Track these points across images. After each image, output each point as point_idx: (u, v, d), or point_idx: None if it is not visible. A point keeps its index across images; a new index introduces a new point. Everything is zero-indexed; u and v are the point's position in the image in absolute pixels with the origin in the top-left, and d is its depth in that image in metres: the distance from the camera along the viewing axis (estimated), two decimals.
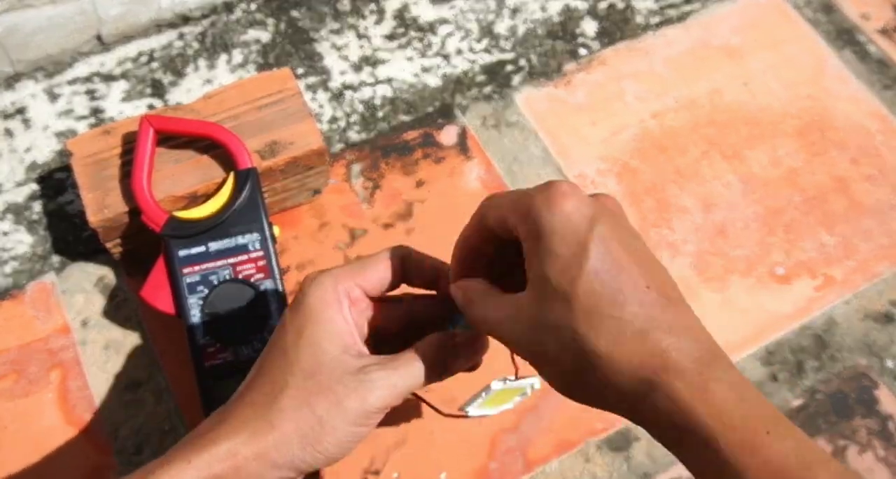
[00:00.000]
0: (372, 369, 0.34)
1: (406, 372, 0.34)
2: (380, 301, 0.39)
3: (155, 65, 0.67)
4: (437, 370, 0.35)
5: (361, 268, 0.37)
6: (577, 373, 0.30)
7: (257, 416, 0.33)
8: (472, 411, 0.49)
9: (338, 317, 0.35)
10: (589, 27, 0.72)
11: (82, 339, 0.55)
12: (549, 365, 0.31)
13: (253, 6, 0.71)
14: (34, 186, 0.61)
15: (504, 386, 0.47)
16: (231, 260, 0.50)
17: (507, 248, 0.34)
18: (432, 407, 0.48)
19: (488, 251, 0.36)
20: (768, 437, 0.28)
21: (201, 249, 0.50)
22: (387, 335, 0.39)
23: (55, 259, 0.58)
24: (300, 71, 0.68)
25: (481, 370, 0.40)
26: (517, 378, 0.43)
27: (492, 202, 0.34)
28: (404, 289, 0.40)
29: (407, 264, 0.38)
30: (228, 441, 0.33)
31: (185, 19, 0.69)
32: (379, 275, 0.38)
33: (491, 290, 0.34)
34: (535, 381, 0.50)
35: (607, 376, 0.29)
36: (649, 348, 0.29)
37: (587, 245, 0.29)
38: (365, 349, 0.36)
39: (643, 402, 0.29)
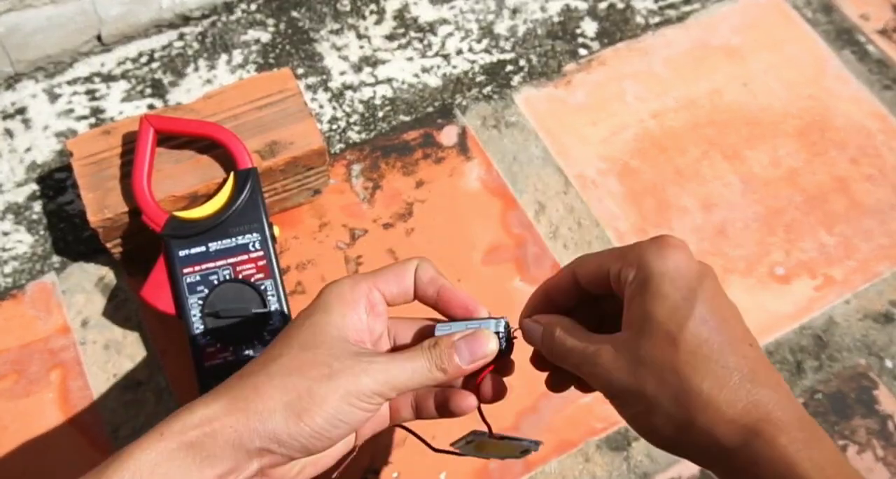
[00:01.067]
0: (370, 355, 0.33)
1: (405, 366, 0.33)
2: (401, 319, 0.38)
3: (155, 65, 0.67)
4: (437, 373, 0.34)
5: (383, 273, 0.37)
6: (673, 414, 0.31)
7: (243, 381, 0.32)
8: (466, 452, 0.43)
9: (351, 313, 0.34)
10: (589, 27, 0.72)
11: (82, 339, 0.55)
12: (642, 404, 0.31)
13: (253, 6, 0.71)
14: (34, 187, 0.61)
15: (487, 439, 0.42)
16: (231, 260, 0.50)
17: (583, 307, 0.37)
18: (421, 440, 0.43)
19: (566, 305, 0.38)
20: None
21: (201, 249, 0.50)
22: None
23: (55, 259, 0.58)
24: (300, 71, 0.68)
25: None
26: (493, 435, 0.41)
27: (587, 258, 0.36)
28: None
29: (420, 274, 0.38)
30: (206, 408, 0.31)
31: (186, 19, 0.69)
32: (401, 283, 0.37)
33: (578, 326, 0.35)
34: (533, 444, 0.42)
35: (706, 418, 0.30)
36: (754, 399, 0.30)
37: (697, 292, 0.31)
38: (370, 348, 0.35)
39: (742, 449, 0.29)
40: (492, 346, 0.35)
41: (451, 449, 0.41)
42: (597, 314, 0.38)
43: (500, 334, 0.36)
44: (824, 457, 0.29)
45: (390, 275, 0.37)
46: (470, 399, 0.38)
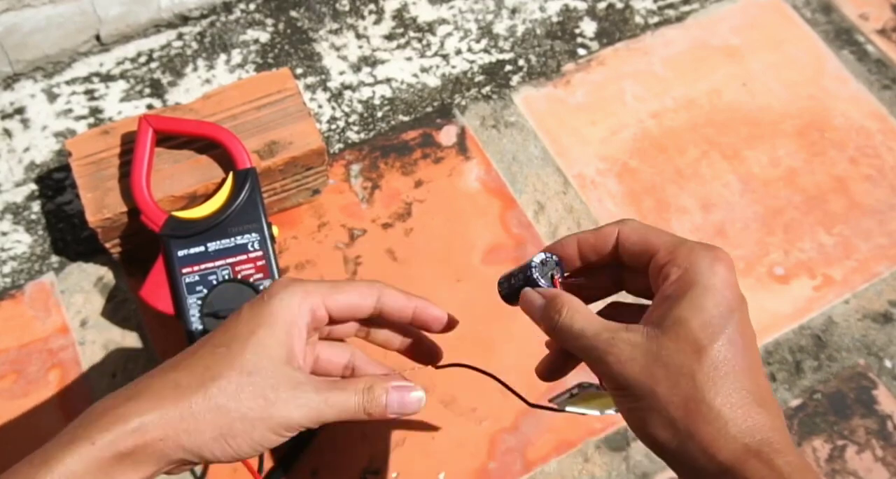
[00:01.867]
0: (307, 389, 0.34)
1: (336, 402, 0.35)
2: (328, 342, 0.40)
3: (154, 65, 0.67)
4: (362, 415, 0.35)
5: (336, 289, 0.37)
6: (676, 419, 0.31)
7: (179, 398, 0.32)
8: (567, 406, 0.41)
9: (294, 329, 0.35)
10: (588, 27, 0.72)
11: (81, 339, 0.55)
12: (647, 401, 0.31)
13: (252, 6, 0.71)
14: (33, 186, 0.61)
15: (594, 391, 0.40)
16: (230, 260, 0.50)
17: (601, 272, 0.38)
18: (519, 396, 0.43)
19: (588, 261, 0.37)
20: None
21: (200, 249, 0.50)
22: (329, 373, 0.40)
23: (54, 259, 0.58)
24: (299, 71, 0.68)
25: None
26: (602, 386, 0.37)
27: (637, 228, 0.36)
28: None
29: (386, 302, 0.38)
30: (139, 417, 0.32)
31: (185, 19, 0.69)
32: (352, 302, 0.37)
33: (586, 307, 0.35)
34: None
35: (709, 430, 0.30)
36: (758, 422, 0.30)
37: (734, 314, 0.32)
38: (306, 368, 0.37)
39: (737, 467, 0.30)
40: (420, 403, 0.37)
41: (550, 405, 0.40)
42: (601, 284, 0.39)
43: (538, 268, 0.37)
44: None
45: (345, 297, 0.37)
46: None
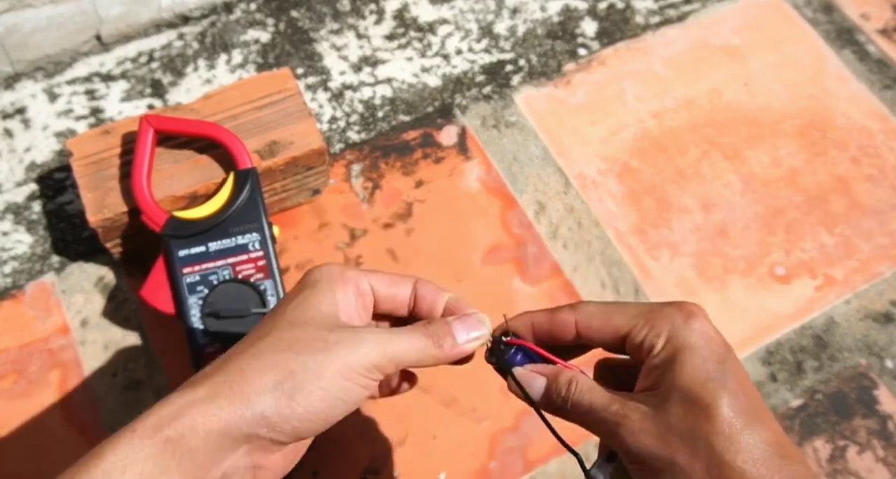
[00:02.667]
0: (367, 329, 0.31)
1: (402, 339, 0.31)
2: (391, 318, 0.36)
3: (155, 65, 0.67)
4: (434, 350, 0.32)
5: (376, 272, 0.35)
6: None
7: (227, 364, 0.29)
8: None
9: (341, 292, 0.32)
10: (588, 27, 0.72)
11: (82, 339, 0.55)
12: (670, 473, 0.30)
13: (252, 6, 0.71)
14: (34, 186, 0.61)
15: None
16: (231, 260, 0.50)
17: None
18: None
19: (546, 344, 0.36)
20: None
21: (201, 249, 0.50)
22: None
23: (55, 259, 0.58)
24: (300, 71, 0.68)
25: None
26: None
27: (594, 312, 0.34)
28: None
29: (421, 290, 0.35)
30: (183, 398, 0.28)
31: (185, 19, 0.69)
32: (392, 282, 0.34)
33: (590, 379, 0.33)
34: None
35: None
36: (786, 475, 0.29)
37: (727, 365, 0.30)
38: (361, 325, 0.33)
39: None
40: (486, 323, 0.34)
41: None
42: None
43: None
44: None
45: (386, 277, 0.35)
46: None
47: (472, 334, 0.33)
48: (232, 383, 0.28)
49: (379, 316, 0.36)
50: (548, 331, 0.35)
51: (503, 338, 0.35)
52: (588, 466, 0.33)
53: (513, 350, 0.35)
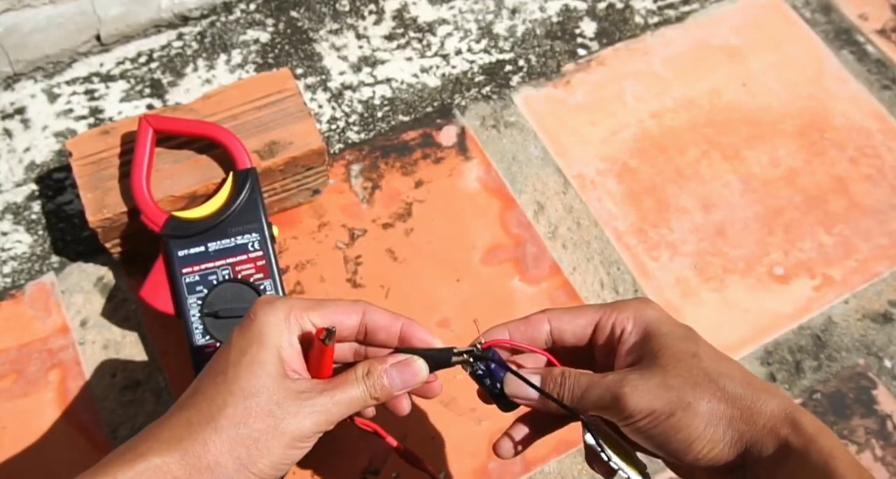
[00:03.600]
0: (310, 394, 0.34)
1: (343, 398, 0.35)
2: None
3: (154, 65, 0.67)
4: (370, 401, 0.36)
5: (319, 304, 0.37)
6: (714, 410, 0.33)
7: (192, 434, 0.32)
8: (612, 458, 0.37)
9: (283, 340, 0.35)
10: (588, 27, 0.72)
11: (81, 339, 0.55)
12: (681, 408, 0.33)
13: (252, 6, 0.71)
14: (33, 186, 0.61)
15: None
16: (230, 260, 0.50)
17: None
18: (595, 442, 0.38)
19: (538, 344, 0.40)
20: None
21: (200, 249, 0.50)
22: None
23: (54, 259, 0.58)
24: (299, 71, 0.68)
25: None
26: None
27: (561, 315, 0.39)
28: None
29: (371, 318, 0.38)
30: (159, 457, 0.32)
31: (185, 19, 0.69)
32: (336, 317, 0.37)
33: (585, 371, 0.37)
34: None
35: (752, 413, 0.33)
36: (777, 393, 0.33)
37: (691, 330, 0.36)
38: (306, 374, 0.36)
39: (778, 433, 0.32)
40: (422, 373, 0.37)
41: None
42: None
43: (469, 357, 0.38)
44: (850, 458, 0.32)
45: (331, 309, 0.37)
46: (405, 403, 0.39)
47: (409, 385, 0.37)
48: (198, 455, 0.32)
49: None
50: (523, 336, 0.39)
51: (479, 350, 0.38)
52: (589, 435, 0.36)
53: (492, 365, 0.38)
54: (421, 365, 0.37)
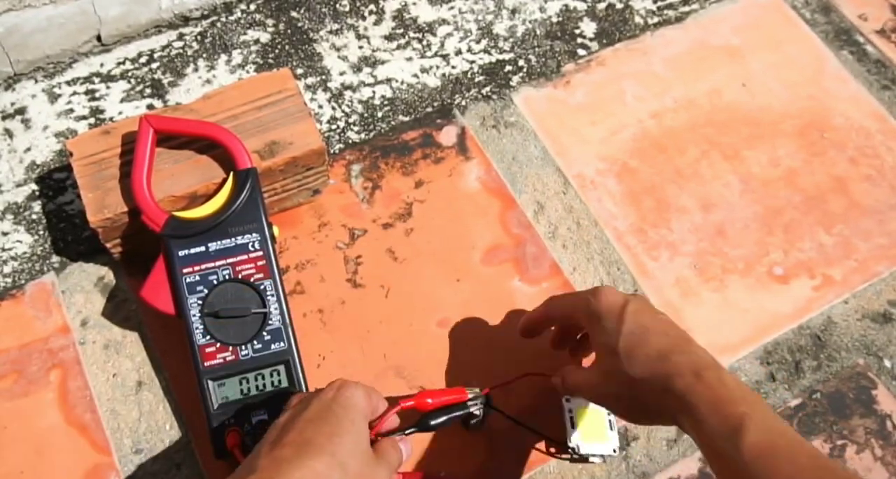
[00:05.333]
0: (380, 467, 0.41)
1: (392, 464, 0.42)
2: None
3: (154, 65, 0.67)
4: (401, 463, 0.44)
5: (383, 400, 0.45)
6: (628, 398, 0.44)
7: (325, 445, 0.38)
8: (582, 446, 0.52)
9: (368, 420, 0.42)
10: (588, 28, 0.72)
11: (82, 339, 0.55)
12: (615, 402, 0.46)
13: (252, 7, 0.71)
14: (34, 186, 0.61)
15: (583, 404, 0.53)
16: (231, 260, 0.50)
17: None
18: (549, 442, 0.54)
19: (547, 328, 0.53)
20: (724, 390, 0.40)
21: (201, 249, 0.50)
22: None
23: (55, 259, 0.58)
24: (300, 71, 0.68)
25: None
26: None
27: (556, 302, 0.51)
28: None
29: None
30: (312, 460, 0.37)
31: (185, 20, 0.69)
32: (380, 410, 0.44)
33: (578, 367, 0.50)
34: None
35: (644, 392, 0.42)
36: (663, 366, 0.42)
37: (623, 317, 0.45)
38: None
39: (662, 401, 0.41)
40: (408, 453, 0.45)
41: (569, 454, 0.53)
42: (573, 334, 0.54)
43: (478, 405, 0.49)
44: (702, 388, 0.40)
45: (384, 404, 0.45)
46: None
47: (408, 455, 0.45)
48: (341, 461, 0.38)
49: None
50: (535, 321, 0.52)
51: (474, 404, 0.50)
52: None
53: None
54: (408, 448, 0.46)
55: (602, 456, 0.52)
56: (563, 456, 0.53)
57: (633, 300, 0.46)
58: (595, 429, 0.52)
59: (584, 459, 0.52)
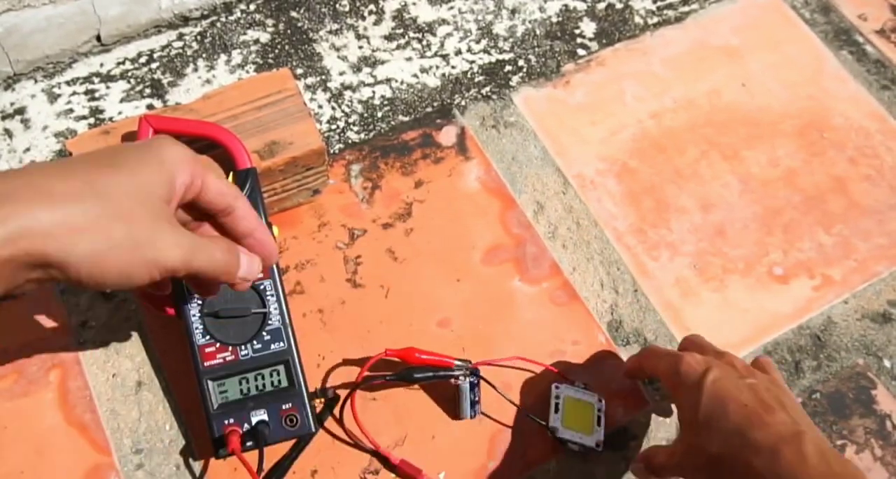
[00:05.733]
0: (184, 231, 0.34)
1: (206, 252, 0.34)
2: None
3: (154, 65, 0.67)
4: (223, 271, 0.35)
5: (216, 171, 0.37)
6: (709, 475, 0.43)
7: (54, 204, 0.29)
8: (560, 431, 0.52)
9: (178, 180, 0.34)
10: (587, 28, 0.72)
11: (82, 339, 0.55)
12: (697, 477, 0.44)
13: (252, 7, 0.71)
14: None
15: (573, 394, 0.54)
16: None
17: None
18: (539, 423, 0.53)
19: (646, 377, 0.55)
20: (804, 467, 0.38)
21: None
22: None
23: None
24: (299, 71, 0.68)
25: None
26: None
27: (647, 361, 0.50)
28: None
29: (238, 205, 0.38)
30: (16, 222, 0.28)
31: (185, 20, 0.69)
32: (222, 188, 0.36)
33: (659, 447, 0.49)
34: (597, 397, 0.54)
35: (724, 470, 0.41)
36: (740, 443, 0.41)
37: (702, 387, 0.44)
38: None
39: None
40: (257, 271, 0.38)
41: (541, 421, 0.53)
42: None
43: (464, 373, 0.51)
44: (787, 464, 0.39)
45: (221, 186, 0.36)
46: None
47: (249, 276, 0.37)
48: (56, 224, 0.29)
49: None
50: (632, 372, 0.53)
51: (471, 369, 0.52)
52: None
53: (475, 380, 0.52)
54: (257, 265, 0.38)
55: (583, 446, 0.52)
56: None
57: (715, 368, 0.45)
58: (580, 419, 0.53)
59: (562, 443, 0.53)
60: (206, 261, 0.34)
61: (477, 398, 0.52)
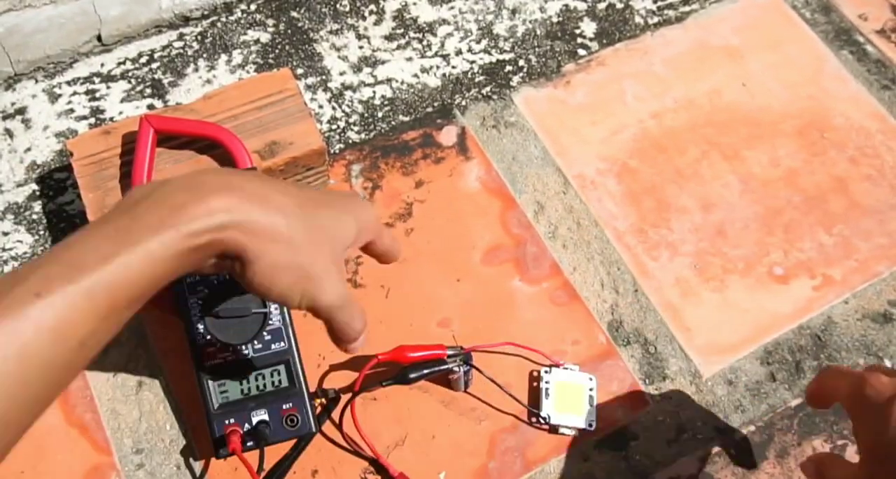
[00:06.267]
0: (344, 279, 0.37)
1: (350, 306, 0.37)
2: None
3: (155, 65, 0.67)
4: (345, 332, 0.38)
5: (390, 235, 0.41)
6: None
7: (267, 208, 0.33)
8: (553, 416, 0.53)
9: (362, 234, 0.38)
10: (588, 28, 0.72)
11: None
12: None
13: (253, 7, 0.71)
14: (34, 187, 0.61)
15: (563, 377, 0.54)
16: None
17: None
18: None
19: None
20: None
21: None
22: None
23: None
24: (300, 71, 0.68)
25: None
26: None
27: (824, 385, 0.44)
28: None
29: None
30: (228, 215, 0.32)
31: (185, 20, 0.69)
32: (387, 248, 0.41)
33: (840, 460, 0.44)
34: (589, 376, 0.55)
35: None
36: None
37: (890, 413, 0.38)
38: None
39: None
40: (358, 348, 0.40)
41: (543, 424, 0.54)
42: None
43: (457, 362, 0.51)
44: None
45: (393, 242, 0.41)
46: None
47: (354, 352, 0.40)
48: (264, 227, 0.33)
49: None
50: (817, 399, 0.46)
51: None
52: None
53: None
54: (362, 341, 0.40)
55: (575, 429, 0.53)
56: (538, 425, 0.54)
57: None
58: (570, 402, 0.54)
59: (555, 429, 0.53)
60: (347, 318, 0.37)
61: (469, 377, 0.53)
